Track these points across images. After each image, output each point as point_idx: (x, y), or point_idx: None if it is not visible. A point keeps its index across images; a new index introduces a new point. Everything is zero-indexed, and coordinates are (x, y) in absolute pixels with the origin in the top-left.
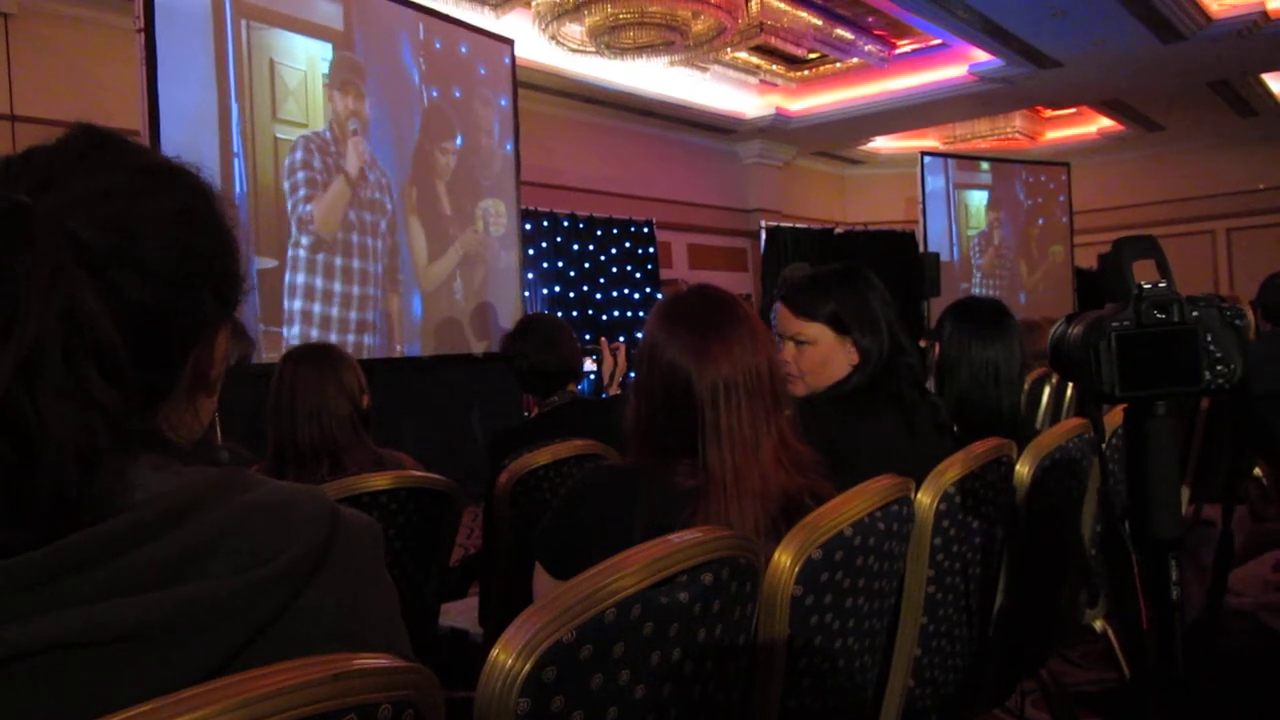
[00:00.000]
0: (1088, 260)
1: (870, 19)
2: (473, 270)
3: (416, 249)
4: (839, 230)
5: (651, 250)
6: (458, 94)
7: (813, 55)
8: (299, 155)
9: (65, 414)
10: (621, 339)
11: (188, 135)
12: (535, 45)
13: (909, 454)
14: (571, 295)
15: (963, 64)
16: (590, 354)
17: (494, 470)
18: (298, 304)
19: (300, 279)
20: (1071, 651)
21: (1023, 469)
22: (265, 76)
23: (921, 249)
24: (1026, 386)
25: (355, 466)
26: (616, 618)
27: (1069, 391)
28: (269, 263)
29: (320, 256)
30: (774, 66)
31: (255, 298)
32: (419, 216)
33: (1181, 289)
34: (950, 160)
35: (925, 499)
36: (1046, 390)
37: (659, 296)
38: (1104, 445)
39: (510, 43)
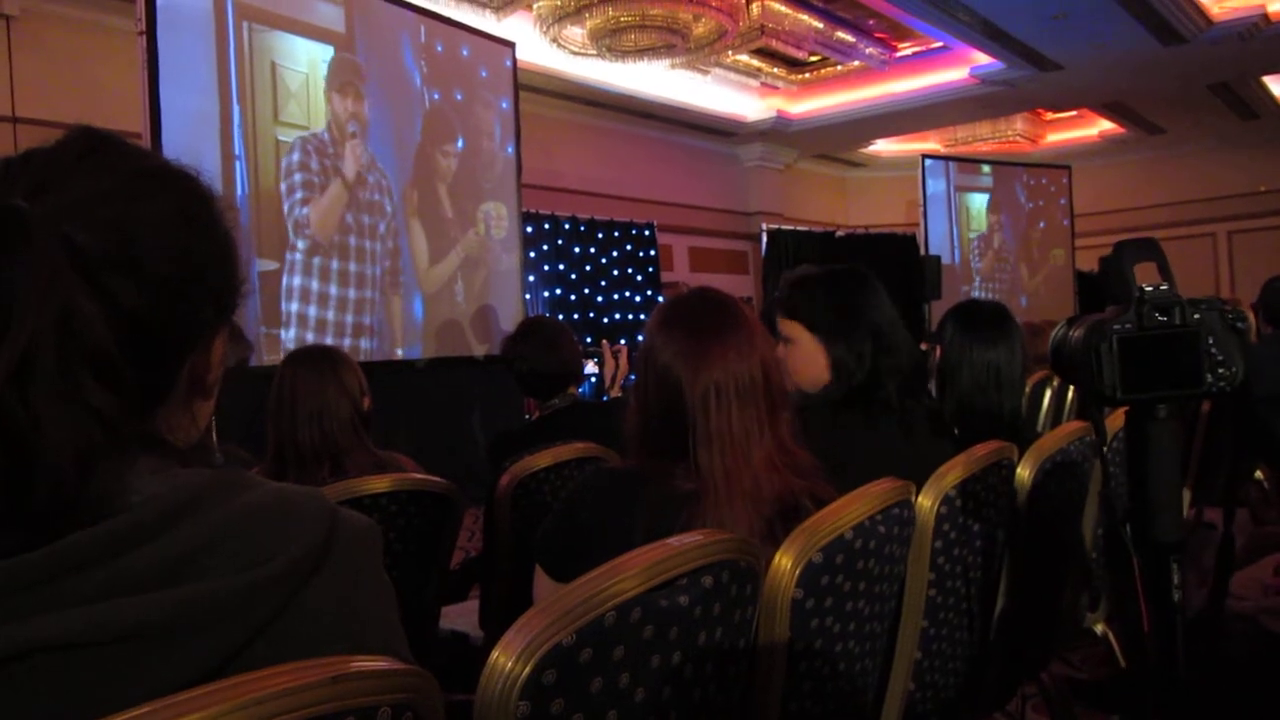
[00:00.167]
0: (1089, 263)
1: (871, 22)
2: (474, 273)
3: (418, 251)
4: (840, 233)
5: (653, 253)
6: (459, 96)
7: (814, 58)
8: (296, 157)
9: (60, 417)
10: (623, 342)
11: (189, 137)
12: (536, 48)
13: (905, 457)
14: (572, 298)
15: (964, 67)
16: (591, 357)
17: (494, 473)
18: (294, 307)
19: (297, 282)
20: (1073, 655)
21: (1024, 472)
22: (267, 79)
23: (922, 252)
24: (1028, 389)
25: (356, 469)
26: (616, 621)
27: (1070, 394)
28: (270, 265)
29: (317, 260)
30: (775, 69)
31: (256, 300)
32: (420, 219)
33: (1183, 291)
34: (951, 163)
35: (926, 502)
36: (1048, 393)
37: (660, 299)
38: (1105, 448)
39: (511, 45)
